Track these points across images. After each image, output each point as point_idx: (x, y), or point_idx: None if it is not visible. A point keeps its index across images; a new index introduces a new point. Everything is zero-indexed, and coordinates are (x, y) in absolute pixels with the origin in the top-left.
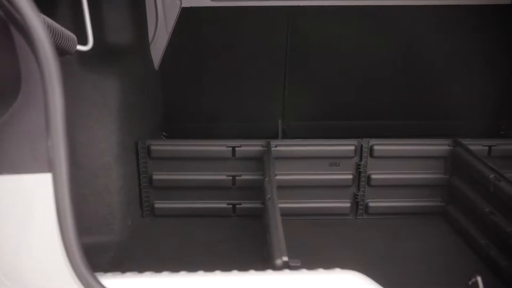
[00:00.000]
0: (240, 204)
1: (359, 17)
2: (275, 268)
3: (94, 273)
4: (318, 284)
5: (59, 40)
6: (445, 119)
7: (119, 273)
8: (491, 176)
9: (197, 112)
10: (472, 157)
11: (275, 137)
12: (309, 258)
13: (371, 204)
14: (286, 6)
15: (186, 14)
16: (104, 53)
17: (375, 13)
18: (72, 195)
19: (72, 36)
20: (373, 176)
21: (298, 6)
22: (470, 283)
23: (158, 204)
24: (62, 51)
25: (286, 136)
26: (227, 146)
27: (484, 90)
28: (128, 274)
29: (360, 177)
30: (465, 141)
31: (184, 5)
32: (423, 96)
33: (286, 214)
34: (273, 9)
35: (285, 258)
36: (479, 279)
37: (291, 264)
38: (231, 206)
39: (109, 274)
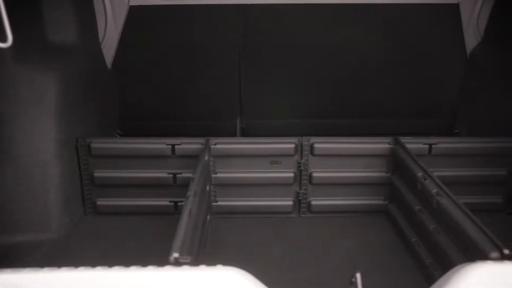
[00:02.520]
0: (182, 202)
1: (309, 16)
2: (168, 263)
3: None
4: (197, 280)
5: None
6: (403, 117)
7: (5, 268)
8: (419, 174)
9: (155, 111)
10: (406, 155)
11: (234, 135)
12: (241, 256)
13: (314, 202)
14: (237, 5)
15: (137, 12)
16: (43, 50)
17: (325, 11)
18: None
19: None
20: (314, 174)
21: (248, 4)
22: (353, 280)
23: (101, 202)
24: None
25: (245, 134)
26: (167, 144)
27: (441, 89)
28: (8, 270)
29: (302, 175)
30: (405, 140)
31: (132, 3)
32: (379, 95)
33: (229, 212)
34: (224, 8)
35: (176, 255)
36: (357, 276)
37: (181, 260)
38: (172, 203)
39: None
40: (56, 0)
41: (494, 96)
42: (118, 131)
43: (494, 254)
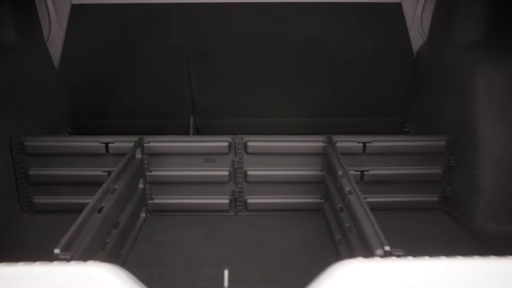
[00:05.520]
0: None
1: (256, 15)
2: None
3: None
4: (69, 275)
5: None
6: (359, 116)
7: None
8: (339, 172)
9: (107, 110)
10: (334, 153)
11: (187, 134)
12: (168, 254)
13: (250, 201)
14: (181, 4)
15: (81, 11)
16: None
17: (270, 10)
18: None
19: None
20: (249, 173)
21: (192, 3)
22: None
23: (37, 200)
24: None
25: (199, 132)
26: (100, 142)
27: (392, 88)
28: None
29: (237, 174)
30: (338, 138)
31: (74, 2)
32: (330, 94)
33: (165, 210)
34: (168, 7)
35: (57, 251)
36: (225, 272)
37: (60, 256)
38: None
39: None
40: None
41: (438, 95)
42: (67, 129)
43: (379, 251)
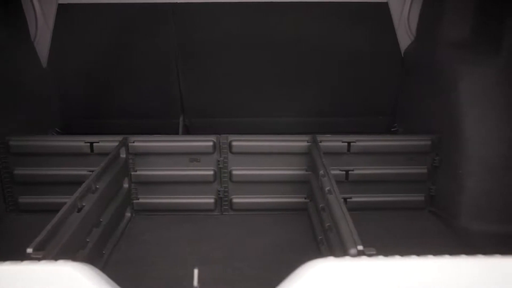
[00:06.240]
0: None
1: (244, 15)
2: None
3: None
4: (38, 274)
5: None
6: (348, 116)
7: None
8: (320, 172)
9: (97, 109)
10: (317, 153)
11: (177, 133)
12: (151, 253)
13: (235, 200)
14: (169, 3)
15: (68, 11)
16: None
17: (258, 10)
18: None
19: None
20: (234, 172)
21: (180, 3)
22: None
23: (23, 199)
24: None
25: (188, 132)
26: (85, 142)
27: (381, 88)
28: None
29: (222, 173)
30: (322, 137)
31: (61, 1)
32: (320, 94)
33: (151, 209)
34: (158, 7)
35: (29, 250)
36: (195, 271)
37: (33, 256)
38: None
39: None
40: None
41: (425, 95)
42: (56, 129)
43: (352, 250)
